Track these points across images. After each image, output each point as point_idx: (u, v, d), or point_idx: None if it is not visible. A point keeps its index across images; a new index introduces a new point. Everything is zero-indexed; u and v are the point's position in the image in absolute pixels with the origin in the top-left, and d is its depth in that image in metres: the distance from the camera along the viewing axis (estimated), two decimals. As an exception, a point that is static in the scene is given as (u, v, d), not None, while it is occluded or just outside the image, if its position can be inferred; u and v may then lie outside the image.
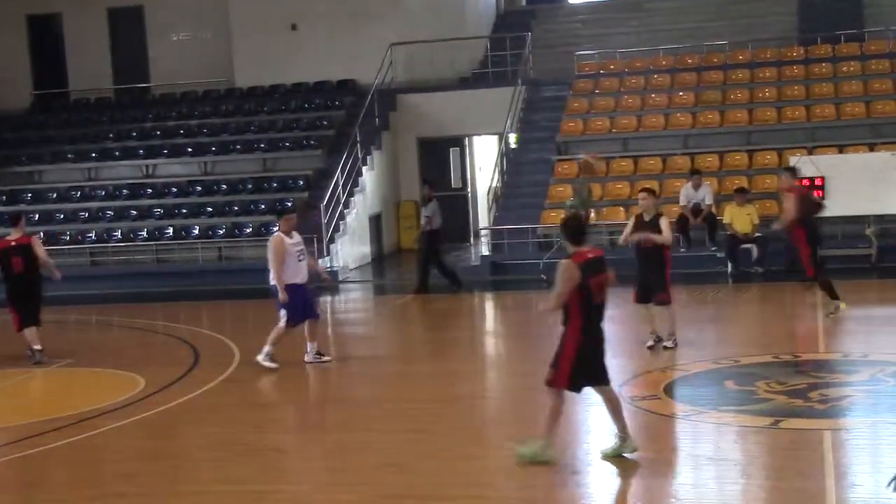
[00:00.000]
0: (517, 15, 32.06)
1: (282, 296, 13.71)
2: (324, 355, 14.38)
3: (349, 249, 24.72)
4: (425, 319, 19.63)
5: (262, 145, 27.34)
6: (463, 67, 28.83)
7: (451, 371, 14.04)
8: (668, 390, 11.98)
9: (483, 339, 17.45)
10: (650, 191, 14.35)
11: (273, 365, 13.93)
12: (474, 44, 29.51)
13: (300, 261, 13.80)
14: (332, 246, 23.84)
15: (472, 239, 27.46)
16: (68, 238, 25.26)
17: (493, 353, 16.13)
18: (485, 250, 24.12)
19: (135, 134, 28.61)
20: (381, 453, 10.13)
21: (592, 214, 22.24)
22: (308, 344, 14.24)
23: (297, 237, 13.93)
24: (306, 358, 14.23)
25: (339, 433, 11.15)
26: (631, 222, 14.32)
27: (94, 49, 31.09)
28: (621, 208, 22.64)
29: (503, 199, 24.41)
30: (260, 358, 14.03)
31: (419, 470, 9.58)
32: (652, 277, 14.00)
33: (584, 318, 9.23)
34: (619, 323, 16.59)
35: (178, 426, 12.07)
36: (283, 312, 13.89)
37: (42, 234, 25.24)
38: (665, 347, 14.06)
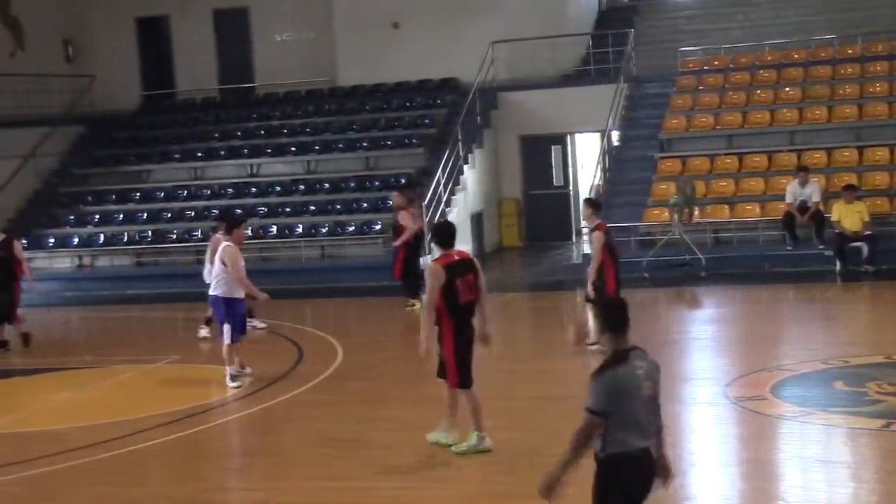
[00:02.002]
0: (619, 11, 31.75)
1: (261, 295, 13.55)
2: (244, 369, 13.92)
3: (451, 247, 24.68)
4: (529, 318, 19.57)
5: (365, 144, 27.50)
6: (565, 64, 28.64)
7: (555, 370, 13.95)
8: (775, 391, 11.76)
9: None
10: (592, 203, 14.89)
11: (235, 384, 13.42)
12: (576, 41, 29.27)
13: None
14: (434, 244, 23.84)
15: (573, 237, 27.29)
16: (175, 237, 25.68)
17: (595, 352, 15.96)
18: (587, 248, 23.94)
19: (239, 133, 28.98)
20: (486, 451, 10.09)
21: (696, 212, 22.00)
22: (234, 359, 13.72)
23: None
24: (231, 371, 13.63)
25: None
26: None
27: (201, 50, 31.57)
28: (726, 206, 22.32)
29: (605, 198, 24.18)
30: (228, 384, 13.47)
31: (523, 468, 9.52)
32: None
33: (455, 318, 9.74)
34: (721, 322, 16.38)
35: (281, 422, 12.20)
36: (226, 328, 13.49)
37: (150, 232, 25.87)
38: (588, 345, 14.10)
